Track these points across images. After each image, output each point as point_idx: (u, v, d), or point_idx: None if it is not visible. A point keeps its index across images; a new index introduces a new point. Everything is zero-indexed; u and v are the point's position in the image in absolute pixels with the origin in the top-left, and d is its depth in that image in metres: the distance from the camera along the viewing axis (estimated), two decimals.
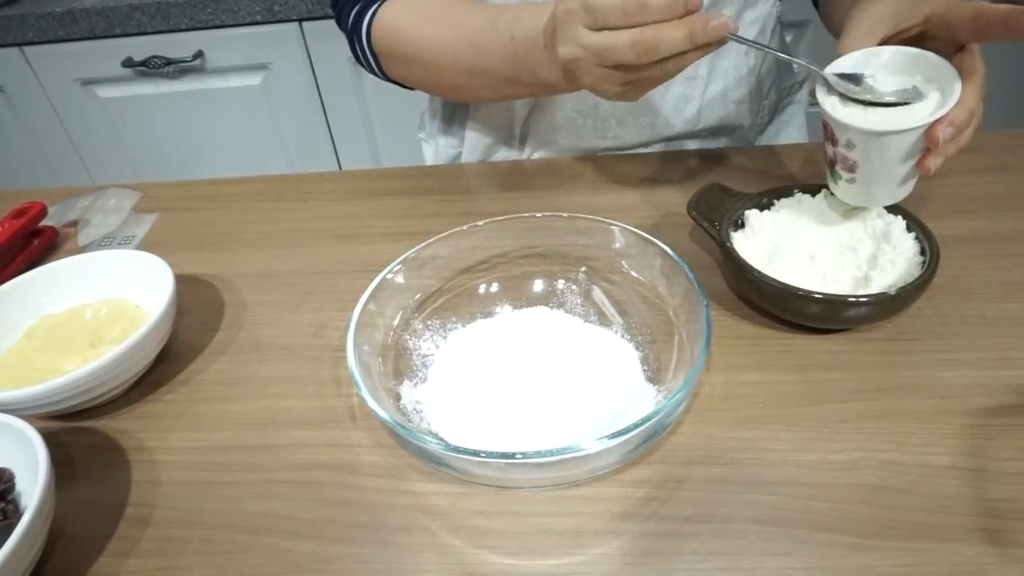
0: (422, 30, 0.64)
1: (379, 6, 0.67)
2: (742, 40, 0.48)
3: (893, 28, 0.49)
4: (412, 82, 0.71)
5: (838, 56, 0.50)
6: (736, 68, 0.74)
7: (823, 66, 0.50)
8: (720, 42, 0.47)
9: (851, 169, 0.50)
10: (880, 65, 0.50)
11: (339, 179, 0.80)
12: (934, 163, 0.47)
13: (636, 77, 0.49)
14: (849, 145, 0.49)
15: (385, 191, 0.74)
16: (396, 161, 1.43)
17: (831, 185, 0.53)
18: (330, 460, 0.47)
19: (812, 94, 0.50)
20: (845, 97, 0.49)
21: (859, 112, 0.48)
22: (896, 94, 0.48)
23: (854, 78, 0.49)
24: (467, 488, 0.44)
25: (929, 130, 0.46)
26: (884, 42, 0.50)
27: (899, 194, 0.51)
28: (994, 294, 0.53)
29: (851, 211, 0.55)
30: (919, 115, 0.46)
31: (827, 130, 0.50)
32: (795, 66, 0.84)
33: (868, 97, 0.48)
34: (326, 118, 1.44)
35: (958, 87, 0.46)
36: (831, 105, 0.49)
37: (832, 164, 0.52)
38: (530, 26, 0.56)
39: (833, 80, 0.49)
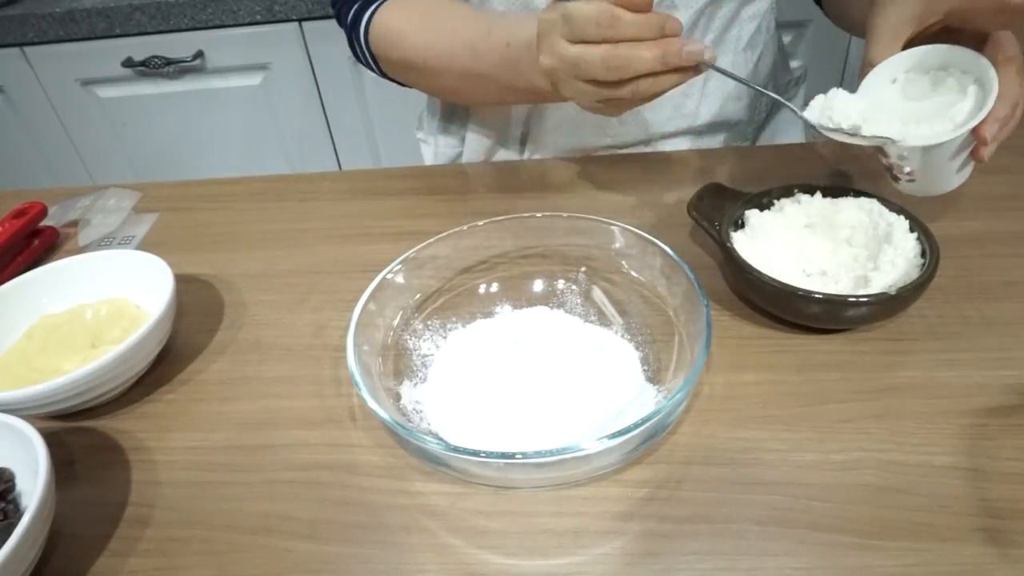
0: (419, 35, 0.65)
1: (377, 7, 0.67)
2: (723, 71, 0.48)
3: (917, 27, 0.49)
4: (409, 84, 0.71)
5: (867, 67, 0.50)
6: (733, 64, 0.74)
7: (829, 69, 0.51)
8: (696, 70, 0.47)
9: (909, 175, 0.52)
10: (912, 66, 0.50)
11: (339, 179, 0.80)
12: (987, 152, 0.48)
13: (610, 94, 0.48)
14: (902, 158, 0.50)
15: (385, 191, 0.74)
16: (396, 161, 1.43)
17: (894, 183, 0.55)
18: (330, 460, 0.47)
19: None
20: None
21: (902, 124, 0.48)
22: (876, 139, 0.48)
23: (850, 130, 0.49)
24: (467, 488, 0.44)
25: (976, 130, 0.47)
26: (909, 43, 0.50)
27: (958, 182, 0.53)
28: (994, 294, 0.53)
29: (852, 211, 0.55)
30: (960, 117, 0.47)
31: (878, 149, 0.51)
32: (792, 65, 0.85)
33: (855, 142, 0.49)
34: (326, 118, 1.44)
35: (994, 81, 0.46)
36: (874, 127, 0.48)
37: (890, 170, 0.53)
38: (525, 33, 0.56)
39: (825, 130, 0.49)
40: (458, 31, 0.63)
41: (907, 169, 0.51)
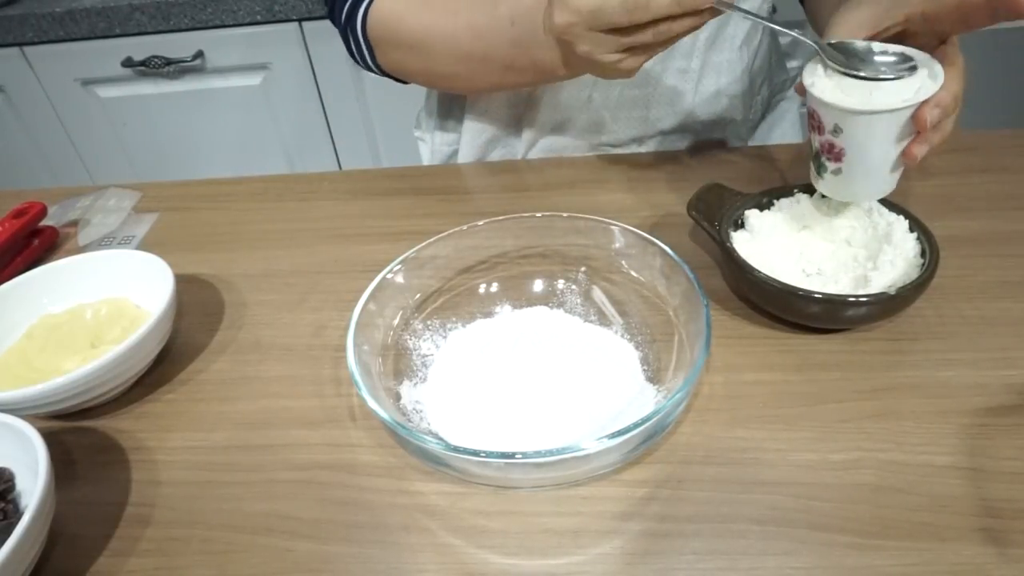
0: (420, 17, 0.64)
1: None
2: (734, 8, 0.49)
3: (873, 30, 0.50)
4: (407, 73, 0.70)
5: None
6: (729, 63, 0.74)
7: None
8: (712, 12, 0.48)
9: (838, 158, 0.50)
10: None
11: (339, 179, 0.80)
12: (920, 150, 0.47)
13: (630, 41, 0.49)
14: (836, 130, 0.48)
15: (385, 191, 0.74)
16: (396, 161, 1.43)
17: (816, 181, 0.53)
18: (330, 460, 0.47)
19: (798, 88, 0.50)
20: (831, 81, 0.48)
21: (846, 95, 0.48)
22: (890, 67, 0.47)
23: (846, 51, 0.49)
24: (467, 488, 0.44)
25: (917, 112, 0.46)
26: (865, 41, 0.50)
27: (884, 188, 0.51)
28: (994, 294, 0.53)
29: (851, 211, 0.55)
30: (905, 94, 0.46)
31: (813, 119, 0.50)
32: (789, 64, 0.85)
33: (864, 71, 0.47)
34: (326, 118, 1.44)
35: (941, 72, 0.46)
36: (820, 88, 0.48)
37: (818, 156, 0.51)
38: (531, 8, 0.57)
39: (828, 51, 0.48)
40: (460, 12, 0.62)
41: (838, 147, 0.49)
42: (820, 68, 0.50)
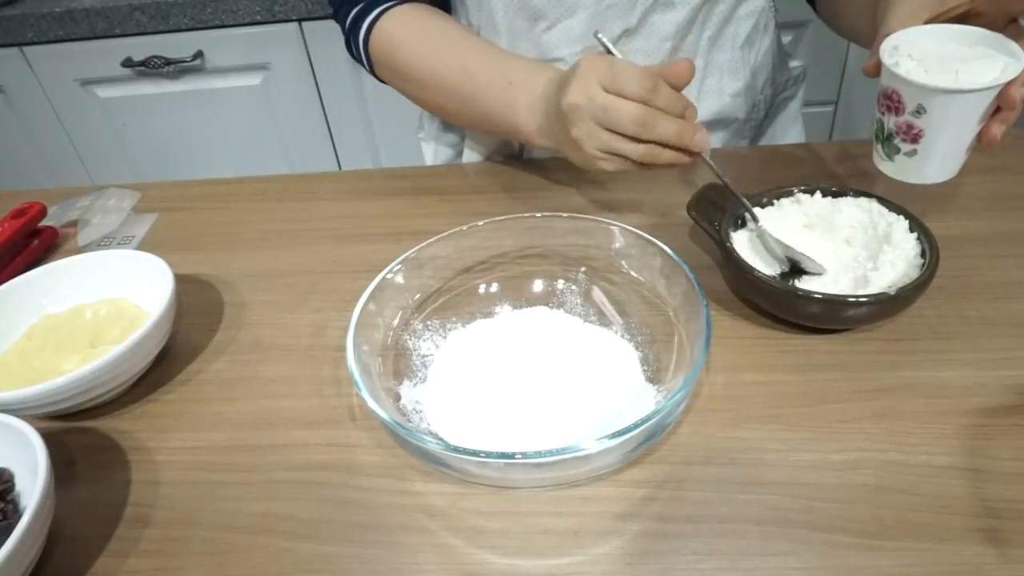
0: (418, 48, 0.67)
1: (380, 14, 0.68)
2: (712, 166, 0.53)
3: (936, 10, 0.49)
4: (403, 94, 0.73)
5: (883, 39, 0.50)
6: (732, 62, 0.74)
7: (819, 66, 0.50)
8: (693, 157, 0.52)
9: (915, 139, 0.50)
10: (934, 43, 0.49)
11: (339, 179, 0.80)
12: (999, 130, 0.48)
13: (621, 149, 0.52)
14: (919, 111, 0.48)
15: (385, 191, 0.74)
16: (396, 161, 1.43)
17: (882, 163, 0.53)
18: (330, 460, 0.47)
19: (869, 68, 0.50)
20: (911, 61, 0.48)
21: (931, 76, 0.47)
22: (980, 54, 0.47)
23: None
24: (467, 488, 0.44)
25: (1005, 90, 0.46)
26: (928, 23, 0.49)
27: (954, 169, 0.52)
28: (994, 294, 0.53)
29: (852, 211, 0.55)
30: (992, 74, 0.46)
31: (891, 99, 0.50)
32: (791, 64, 0.84)
33: (953, 70, 0.47)
34: (326, 118, 1.44)
35: (1020, 50, 0.46)
36: (905, 68, 0.48)
37: (890, 138, 0.51)
38: (532, 77, 0.61)
39: (914, 47, 0.48)
40: (457, 54, 0.65)
41: (917, 128, 0.49)
42: (902, 47, 0.49)
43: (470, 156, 0.81)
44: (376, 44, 0.69)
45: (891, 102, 0.50)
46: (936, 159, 0.51)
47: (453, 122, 0.81)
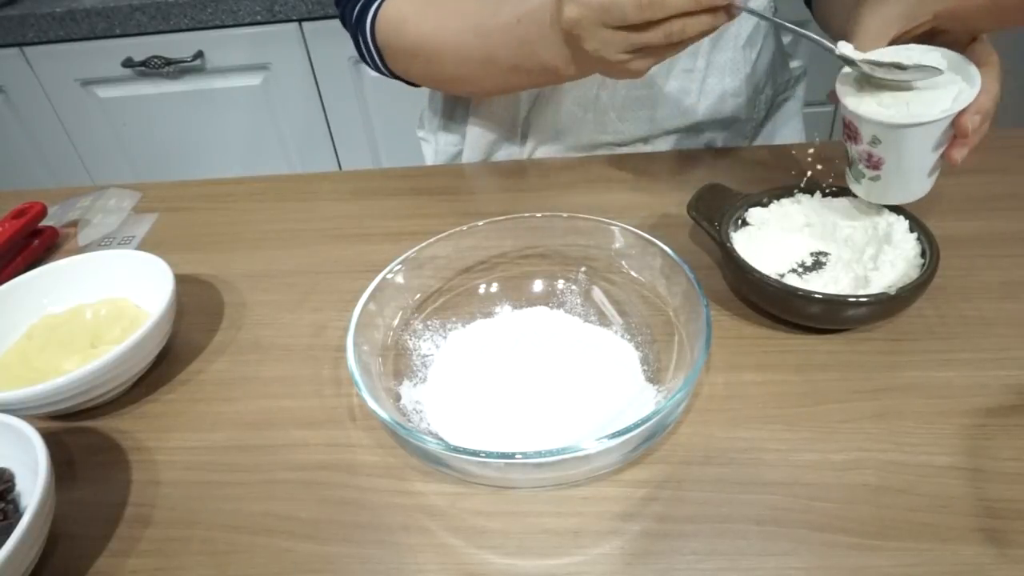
0: (426, 20, 0.64)
1: (382, 2, 0.67)
2: (752, 12, 0.48)
3: (904, 27, 0.49)
4: (414, 76, 0.70)
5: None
6: (733, 62, 0.74)
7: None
8: (728, 14, 0.46)
9: (876, 166, 0.50)
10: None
11: (339, 179, 0.81)
12: (960, 154, 0.47)
13: (640, 40, 0.48)
14: (874, 141, 0.48)
15: (385, 191, 0.74)
16: (396, 161, 1.43)
17: (853, 184, 0.53)
18: (330, 460, 0.47)
19: (831, 96, 0.50)
20: (866, 91, 0.48)
21: (883, 107, 0.47)
22: (921, 71, 0.46)
23: (876, 62, 0.48)
24: (467, 488, 0.44)
25: (957, 120, 0.45)
26: (895, 42, 0.49)
27: (922, 190, 0.51)
28: (994, 294, 0.53)
29: (851, 211, 0.55)
30: (943, 104, 0.46)
31: (849, 128, 0.50)
32: (791, 64, 0.84)
33: (894, 77, 0.47)
34: (326, 118, 1.44)
35: (978, 77, 0.46)
36: (854, 102, 0.48)
37: (854, 163, 0.51)
38: (538, 7, 0.55)
39: (858, 58, 0.47)
40: (466, 14, 0.62)
41: (876, 156, 0.49)
42: (853, 77, 0.49)
43: (470, 153, 0.81)
44: (382, 30, 0.67)
45: (850, 131, 0.50)
46: (899, 183, 0.51)
47: (478, 94, 0.76)
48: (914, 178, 0.50)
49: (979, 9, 0.46)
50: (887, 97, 0.47)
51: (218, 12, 1.28)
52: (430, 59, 0.66)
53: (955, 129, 0.46)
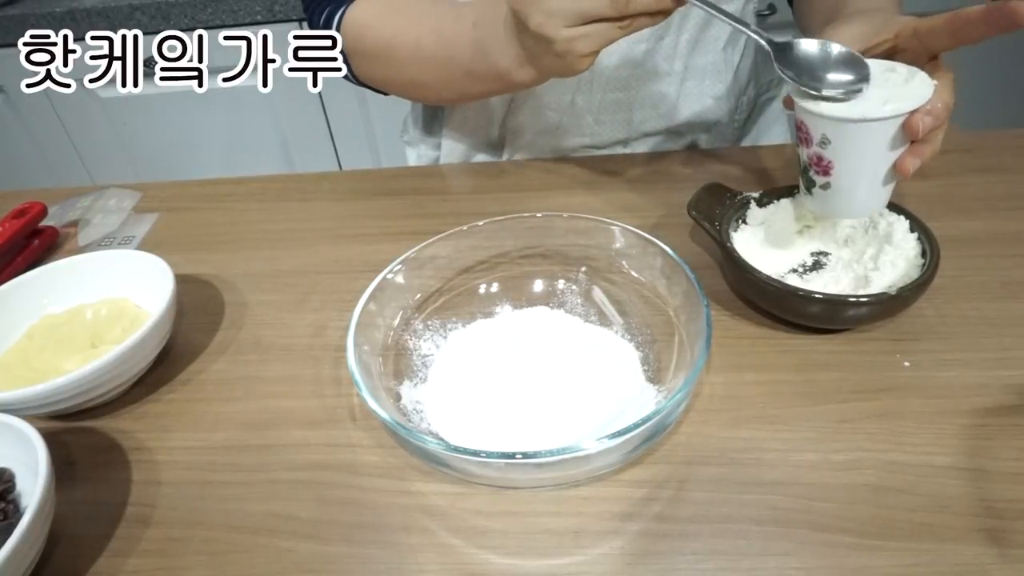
0: (387, 24, 0.64)
1: (348, 7, 0.67)
2: (701, 6, 0.48)
3: (864, 45, 0.49)
4: (377, 82, 0.70)
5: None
6: (714, 64, 0.74)
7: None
8: (678, 1, 0.48)
9: (826, 171, 0.48)
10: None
11: (339, 179, 0.81)
12: (912, 163, 0.46)
13: (584, 9, 0.48)
14: (824, 142, 0.47)
15: (385, 191, 0.74)
16: (396, 161, 1.42)
17: (804, 198, 0.52)
18: (330, 460, 0.47)
19: (787, 102, 0.50)
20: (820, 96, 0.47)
21: (835, 105, 0.46)
22: (844, 85, 0.46)
23: (804, 68, 0.47)
24: (467, 488, 0.44)
25: (908, 120, 0.44)
26: None
27: (873, 204, 0.50)
28: (994, 294, 0.53)
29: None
30: (896, 103, 0.45)
31: (801, 130, 0.49)
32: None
33: (818, 87, 0.46)
34: (326, 118, 1.44)
35: (930, 81, 0.45)
36: (808, 102, 0.47)
37: (806, 170, 0.50)
38: (494, 12, 0.56)
39: (786, 66, 0.47)
40: (425, 19, 0.62)
41: (826, 160, 0.48)
42: None
43: (449, 161, 0.81)
44: (346, 35, 0.66)
45: (802, 133, 0.49)
46: (850, 192, 0.49)
47: (439, 101, 0.77)
48: (864, 187, 0.49)
49: (939, 28, 0.46)
50: (841, 102, 0.46)
51: (218, 12, 1.28)
52: (390, 64, 0.66)
53: (906, 130, 0.45)
